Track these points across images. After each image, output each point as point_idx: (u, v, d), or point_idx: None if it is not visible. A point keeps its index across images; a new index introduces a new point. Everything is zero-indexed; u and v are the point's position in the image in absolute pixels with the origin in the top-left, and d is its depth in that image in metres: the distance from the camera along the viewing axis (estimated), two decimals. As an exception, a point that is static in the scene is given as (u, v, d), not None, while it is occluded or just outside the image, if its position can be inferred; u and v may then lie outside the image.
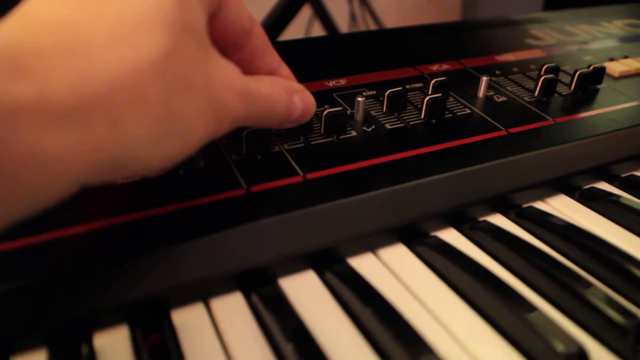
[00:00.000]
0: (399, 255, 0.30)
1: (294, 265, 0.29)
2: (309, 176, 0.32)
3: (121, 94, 0.20)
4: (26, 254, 0.25)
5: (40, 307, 0.24)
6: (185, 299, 0.27)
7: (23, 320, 0.24)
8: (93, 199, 0.28)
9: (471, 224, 0.33)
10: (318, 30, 1.18)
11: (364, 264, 0.29)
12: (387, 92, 0.38)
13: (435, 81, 0.40)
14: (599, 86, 0.46)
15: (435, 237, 0.31)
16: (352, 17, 1.23)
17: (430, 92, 0.40)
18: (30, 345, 0.24)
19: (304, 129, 0.34)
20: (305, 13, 1.15)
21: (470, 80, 0.45)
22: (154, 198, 0.29)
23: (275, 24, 1.02)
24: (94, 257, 0.25)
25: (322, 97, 0.40)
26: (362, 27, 1.26)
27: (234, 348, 0.24)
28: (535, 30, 0.58)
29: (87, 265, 0.25)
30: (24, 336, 0.24)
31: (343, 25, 1.23)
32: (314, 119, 0.34)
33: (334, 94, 0.41)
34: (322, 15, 1.12)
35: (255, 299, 0.27)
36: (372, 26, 1.23)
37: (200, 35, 0.24)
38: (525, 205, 0.35)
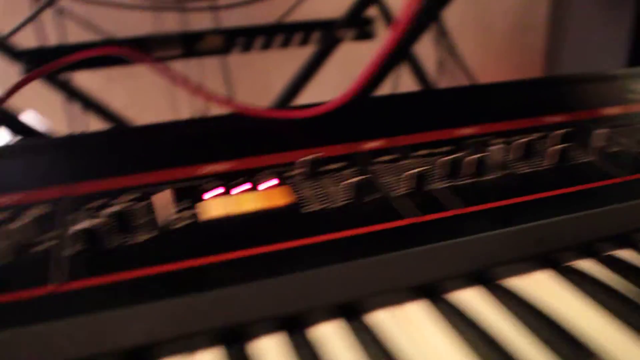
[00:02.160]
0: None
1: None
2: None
3: None
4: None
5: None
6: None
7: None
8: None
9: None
10: (406, 77, 1.24)
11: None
12: (516, 141, 0.44)
13: (562, 131, 0.46)
14: None
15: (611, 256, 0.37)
16: (440, 64, 1.31)
17: (555, 142, 0.46)
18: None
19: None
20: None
21: (584, 132, 0.50)
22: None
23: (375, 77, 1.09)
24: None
25: (452, 145, 0.46)
26: (449, 74, 1.32)
27: None
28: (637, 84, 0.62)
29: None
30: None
31: (430, 71, 1.30)
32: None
33: (463, 141, 0.47)
34: (412, 62, 1.19)
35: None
36: (458, 72, 1.29)
37: None
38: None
